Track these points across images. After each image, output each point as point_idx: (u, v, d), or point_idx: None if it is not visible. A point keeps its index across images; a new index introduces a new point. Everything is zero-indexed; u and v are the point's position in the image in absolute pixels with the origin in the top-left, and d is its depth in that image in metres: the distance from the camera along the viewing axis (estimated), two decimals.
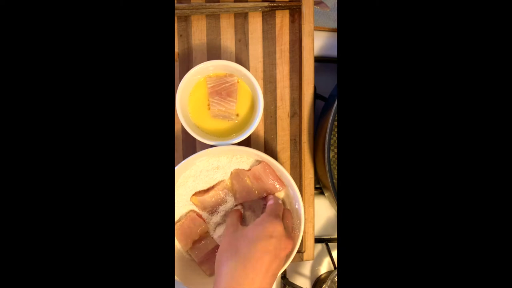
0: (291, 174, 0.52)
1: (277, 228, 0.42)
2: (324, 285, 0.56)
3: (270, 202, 0.48)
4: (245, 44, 0.54)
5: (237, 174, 0.50)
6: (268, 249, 0.40)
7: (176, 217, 0.51)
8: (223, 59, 0.53)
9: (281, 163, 0.52)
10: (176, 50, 0.53)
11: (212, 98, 0.51)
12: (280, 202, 0.48)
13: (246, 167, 0.51)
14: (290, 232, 0.45)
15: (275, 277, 0.42)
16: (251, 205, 0.52)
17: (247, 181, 0.50)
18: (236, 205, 0.51)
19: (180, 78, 0.49)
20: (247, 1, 0.53)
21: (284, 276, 0.60)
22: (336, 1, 0.59)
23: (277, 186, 0.50)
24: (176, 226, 0.50)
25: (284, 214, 0.48)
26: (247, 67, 0.54)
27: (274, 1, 0.54)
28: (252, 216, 0.51)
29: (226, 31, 0.54)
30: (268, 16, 0.54)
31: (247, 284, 0.39)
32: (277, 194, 0.53)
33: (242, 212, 0.50)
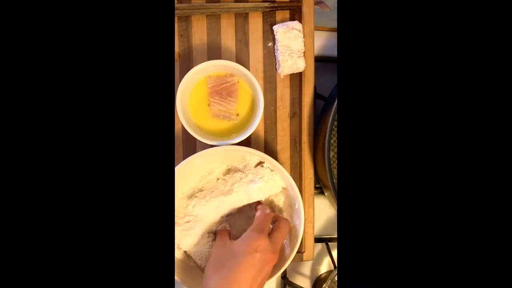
0: (291, 174, 0.52)
1: (262, 242, 0.43)
2: (324, 285, 0.56)
3: (258, 213, 0.48)
4: (246, 44, 0.54)
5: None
6: (252, 263, 0.42)
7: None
8: (224, 59, 0.53)
9: (281, 163, 0.52)
10: (177, 50, 0.53)
11: (213, 98, 0.51)
12: (268, 212, 0.48)
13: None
14: (278, 244, 0.46)
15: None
16: (237, 220, 0.53)
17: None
18: (222, 224, 0.52)
19: (181, 78, 0.49)
20: (247, 1, 0.53)
21: (284, 276, 0.60)
22: (336, 1, 0.59)
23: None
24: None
25: (279, 225, 0.47)
26: (247, 67, 0.54)
27: (275, 1, 0.54)
28: (241, 224, 0.52)
29: (226, 31, 0.54)
30: (268, 16, 0.54)
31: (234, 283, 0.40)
32: (277, 194, 0.53)
33: (230, 230, 0.51)
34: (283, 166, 0.49)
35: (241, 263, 0.42)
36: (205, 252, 0.51)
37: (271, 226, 0.48)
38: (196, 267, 0.52)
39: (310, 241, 0.56)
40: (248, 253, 0.42)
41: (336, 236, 0.62)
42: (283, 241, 0.48)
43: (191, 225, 0.50)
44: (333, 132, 0.49)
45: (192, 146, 0.54)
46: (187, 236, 0.50)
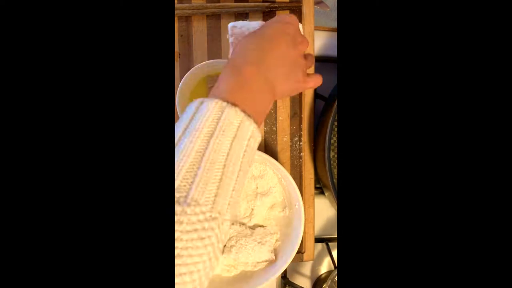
0: (291, 174, 0.52)
1: (294, 19, 0.40)
2: (324, 285, 0.56)
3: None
4: None
5: None
6: (286, 31, 0.39)
7: None
8: (224, 59, 0.53)
9: (281, 163, 0.52)
10: (177, 49, 0.53)
11: None
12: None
13: None
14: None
15: (295, 76, 0.39)
16: None
17: None
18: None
19: (181, 78, 0.49)
20: (247, 1, 0.54)
21: (284, 276, 0.60)
22: (336, 1, 0.59)
23: None
24: None
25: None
26: None
27: (275, 2, 0.54)
28: None
29: (226, 31, 0.54)
30: (268, 16, 0.54)
31: (267, 50, 0.37)
32: (276, 194, 0.53)
33: None
34: (283, 166, 0.49)
35: (275, 28, 0.38)
36: None
37: None
38: None
39: (310, 241, 0.56)
40: (282, 21, 0.39)
41: (336, 236, 0.62)
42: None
43: None
44: (333, 132, 0.49)
45: None
46: None
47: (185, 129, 0.32)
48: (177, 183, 0.30)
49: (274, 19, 0.41)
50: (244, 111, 0.33)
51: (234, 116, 0.32)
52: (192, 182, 0.30)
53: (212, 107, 0.32)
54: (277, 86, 0.37)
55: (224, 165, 0.31)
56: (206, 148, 0.31)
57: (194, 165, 0.30)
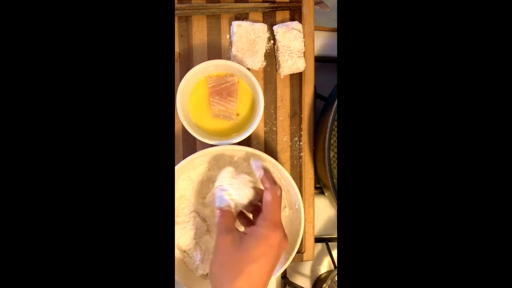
0: (291, 174, 0.52)
1: (277, 235, 0.41)
2: (324, 285, 0.56)
3: (267, 196, 0.42)
4: None
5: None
6: (272, 262, 0.41)
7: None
8: (224, 59, 0.53)
9: (281, 163, 0.52)
10: (177, 50, 0.53)
11: (213, 97, 0.51)
12: (279, 193, 0.43)
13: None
14: (280, 221, 0.42)
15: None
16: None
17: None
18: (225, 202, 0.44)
19: (181, 78, 0.49)
20: (247, 2, 0.54)
21: (284, 276, 0.60)
22: (336, 1, 0.59)
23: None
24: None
25: (268, 200, 0.42)
26: None
27: (275, 2, 0.54)
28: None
29: (226, 31, 0.54)
30: (268, 16, 0.54)
31: (244, 280, 0.39)
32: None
33: (232, 210, 0.43)
34: (283, 166, 0.49)
35: (262, 265, 0.40)
36: (204, 249, 0.51)
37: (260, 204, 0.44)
38: (192, 263, 0.52)
39: (310, 241, 0.56)
40: (267, 253, 0.40)
41: (336, 236, 0.62)
42: (280, 212, 0.43)
43: (190, 224, 0.51)
44: (333, 132, 0.49)
45: (192, 146, 0.54)
46: (186, 236, 0.50)
47: None
48: None
49: (261, 248, 0.40)
50: None
51: None
52: None
53: None
54: None
55: None
56: None
57: None
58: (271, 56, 0.54)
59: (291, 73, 0.54)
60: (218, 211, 0.43)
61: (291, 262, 0.50)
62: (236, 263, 0.40)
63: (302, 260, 0.56)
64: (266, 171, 0.45)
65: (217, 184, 0.45)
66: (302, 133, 0.55)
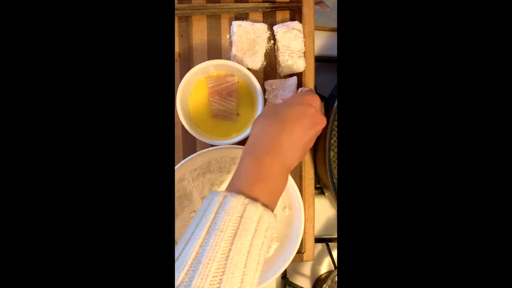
0: (291, 174, 0.52)
1: (315, 99, 0.43)
2: (324, 285, 0.56)
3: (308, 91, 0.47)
4: None
5: None
6: (306, 114, 0.41)
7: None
8: (224, 59, 0.53)
9: None
10: (177, 50, 0.53)
11: (213, 97, 0.51)
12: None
13: None
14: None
15: (306, 150, 0.42)
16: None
17: None
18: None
19: (181, 78, 0.49)
20: (247, 2, 0.54)
21: (284, 276, 0.60)
22: (336, 0, 0.59)
23: None
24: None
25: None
26: None
27: (275, 2, 0.54)
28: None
29: (226, 31, 0.54)
30: (268, 16, 0.54)
31: (285, 136, 0.39)
32: None
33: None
34: None
35: (295, 110, 0.41)
36: None
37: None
38: None
39: (310, 241, 0.56)
40: (303, 103, 0.42)
41: (336, 236, 0.62)
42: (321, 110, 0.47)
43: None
44: (333, 132, 0.49)
45: (192, 146, 0.54)
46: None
47: (210, 227, 0.34)
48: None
49: (296, 99, 0.43)
50: (263, 204, 0.36)
51: (254, 212, 0.35)
52: None
53: (234, 205, 0.34)
54: (291, 165, 0.40)
55: (245, 265, 0.33)
56: (230, 250, 0.33)
57: (219, 269, 0.32)
58: (271, 56, 0.54)
59: (291, 73, 0.54)
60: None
61: (291, 262, 0.50)
62: (272, 110, 0.42)
63: (302, 260, 0.56)
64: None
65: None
66: None
